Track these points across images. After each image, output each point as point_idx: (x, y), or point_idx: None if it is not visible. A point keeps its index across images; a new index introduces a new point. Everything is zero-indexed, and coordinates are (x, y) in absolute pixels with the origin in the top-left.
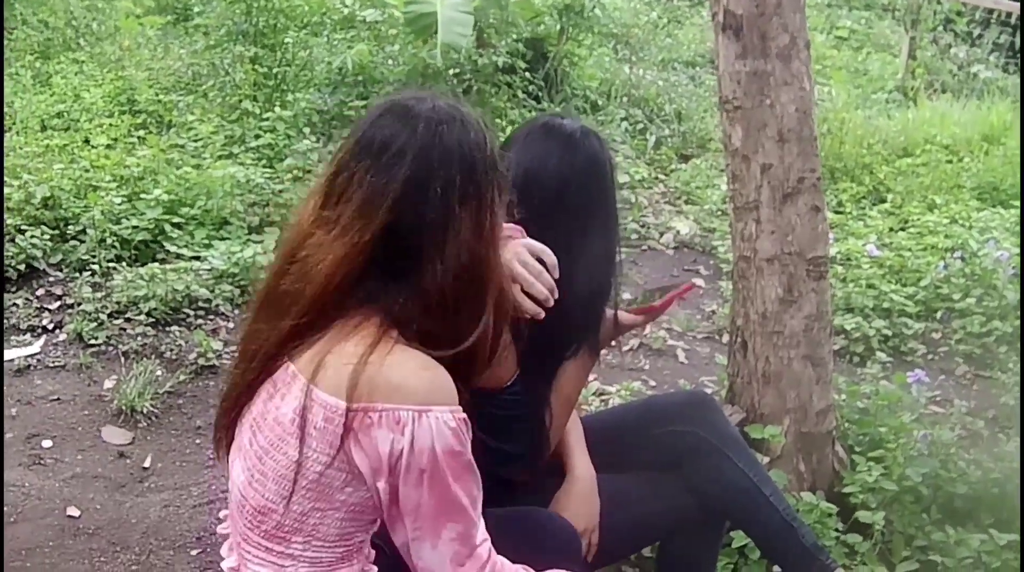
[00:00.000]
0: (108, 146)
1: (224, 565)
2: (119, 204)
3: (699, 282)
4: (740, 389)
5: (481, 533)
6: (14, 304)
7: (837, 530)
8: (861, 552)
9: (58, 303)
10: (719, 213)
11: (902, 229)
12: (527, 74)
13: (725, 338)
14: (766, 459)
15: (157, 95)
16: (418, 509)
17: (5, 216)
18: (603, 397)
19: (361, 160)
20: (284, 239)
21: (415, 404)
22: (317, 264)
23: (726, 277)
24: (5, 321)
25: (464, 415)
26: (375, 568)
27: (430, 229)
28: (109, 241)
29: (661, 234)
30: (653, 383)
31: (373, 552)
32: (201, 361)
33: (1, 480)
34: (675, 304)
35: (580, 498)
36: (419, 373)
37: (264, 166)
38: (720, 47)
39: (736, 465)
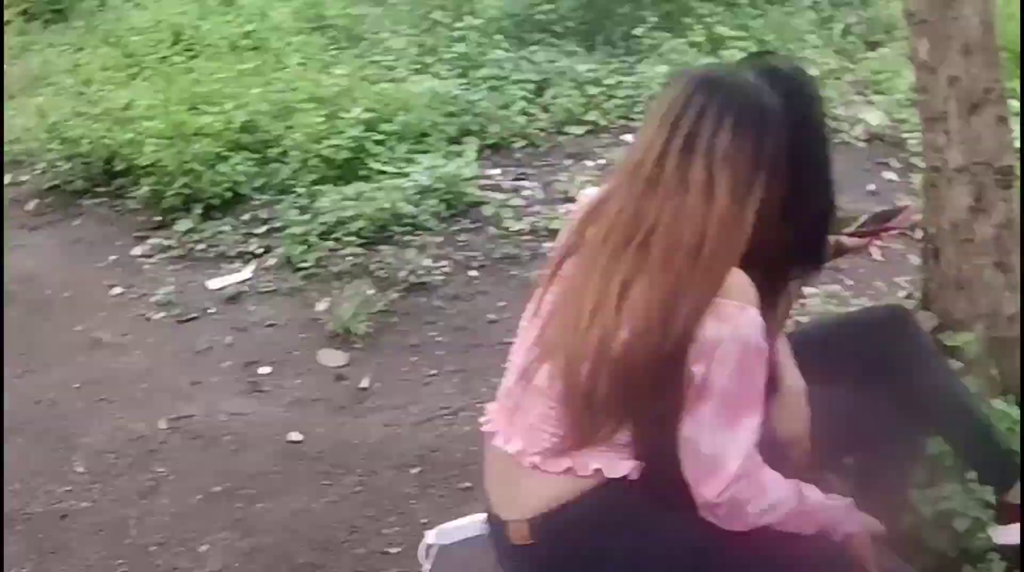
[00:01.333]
0: (301, 65)
1: (510, 448)
2: (319, 124)
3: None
4: (934, 296)
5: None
6: (220, 231)
7: None
8: None
9: (265, 227)
10: (908, 103)
11: None
12: None
13: (919, 234)
14: (960, 365)
15: (346, 8)
16: (724, 396)
17: (200, 143)
18: (802, 302)
19: (723, 125)
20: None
21: (739, 301)
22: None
23: (916, 171)
24: (213, 249)
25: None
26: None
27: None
28: (312, 162)
29: (852, 126)
30: (850, 283)
31: None
32: (412, 278)
33: (1, 473)
34: (900, 226)
35: (792, 410)
36: (744, 279)
37: (459, 76)
38: None
39: (937, 372)
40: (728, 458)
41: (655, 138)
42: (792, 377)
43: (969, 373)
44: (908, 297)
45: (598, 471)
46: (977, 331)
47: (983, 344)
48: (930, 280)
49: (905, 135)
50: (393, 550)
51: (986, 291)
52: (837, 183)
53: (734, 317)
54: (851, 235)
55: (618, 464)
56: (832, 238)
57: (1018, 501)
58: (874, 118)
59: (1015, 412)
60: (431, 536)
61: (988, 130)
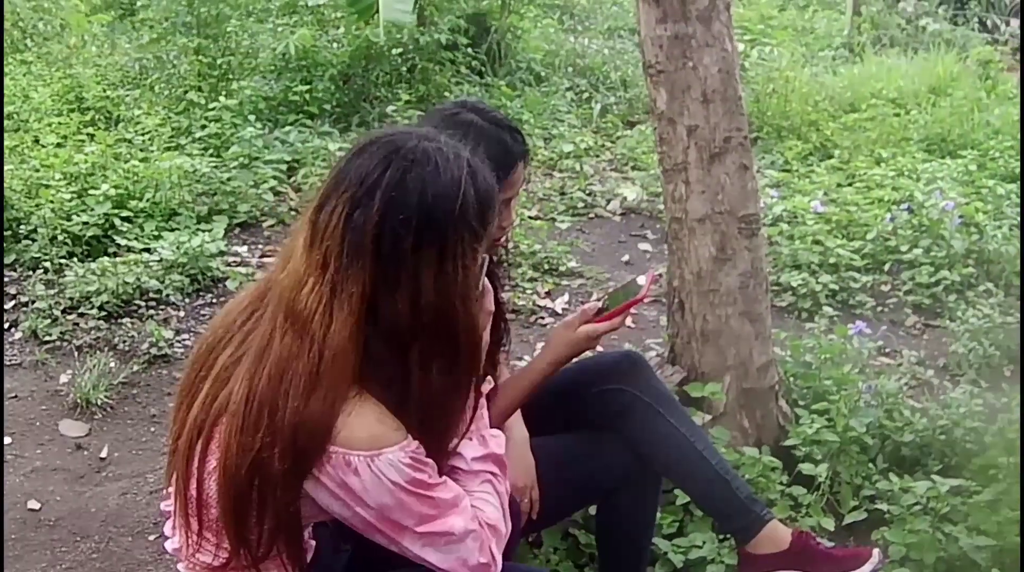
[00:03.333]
0: (58, 144)
1: (169, 545)
2: (68, 201)
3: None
4: (681, 349)
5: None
6: None
7: (782, 483)
8: (806, 504)
9: (13, 302)
10: None
11: (849, 184)
12: (470, 49)
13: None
14: (708, 417)
15: (105, 91)
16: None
17: None
18: None
19: (340, 194)
20: (276, 278)
21: (366, 450)
22: (323, 337)
23: None
24: None
25: (415, 445)
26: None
27: (388, 271)
28: (60, 238)
29: (608, 201)
30: (600, 348)
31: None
32: (153, 351)
33: (1, 479)
34: (647, 294)
35: (515, 459)
36: (373, 424)
37: (211, 155)
38: (641, 12)
39: (668, 421)
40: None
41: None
42: (513, 427)
43: (718, 424)
44: (657, 356)
45: None
46: (726, 383)
47: (732, 396)
48: (676, 334)
49: (662, 207)
50: None
51: (734, 341)
52: (592, 254)
53: (366, 470)
54: (601, 321)
55: None
56: (585, 329)
57: (760, 552)
58: (631, 193)
59: (767, 459)
60: None
61: (730, 178)
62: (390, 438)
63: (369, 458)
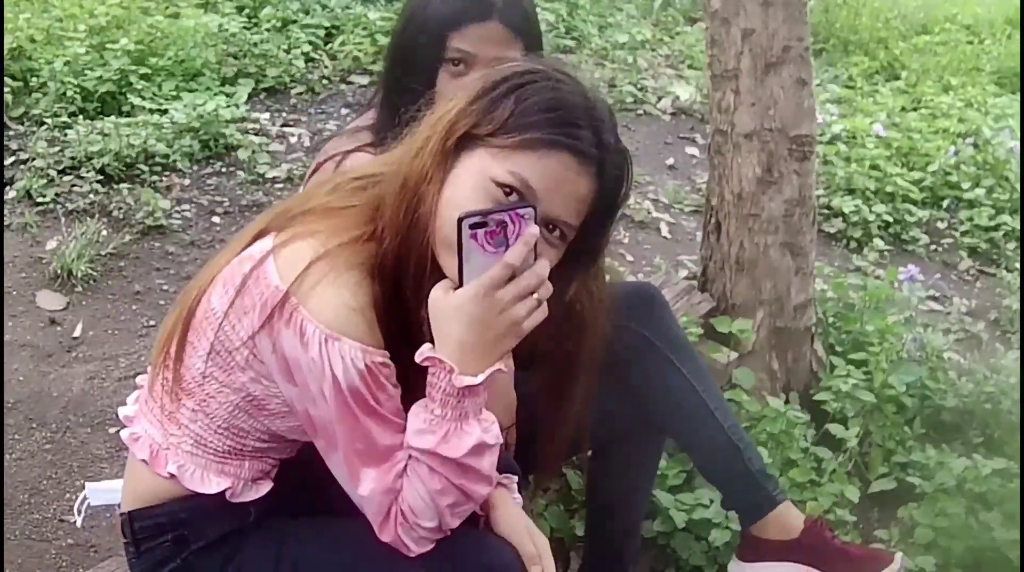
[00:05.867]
0: None
1: (121, 412)
2: (83, 54)
3: (694, 151)
4: (713, 274)
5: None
6: None
7: (806, 439)
8: (831, 469)
9: (12, 158)
10: None
11: (914, 109)
12: None
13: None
14: (735, 355)
15: None
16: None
17: None
18: None
19: None
20: None
21: (326, 327)
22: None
23: None
24: None
25: (382, 360)
26: (267, 485)
27: None
28: (70, 93)
29: (659, 99)
30: (630, 258)
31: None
32: (148, 221)
33: (2, 471)
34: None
35: (494, 396)
36: (345, 307)
37: (246, 16)
38: None
39: (679, 371)
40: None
41: None
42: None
43: (744, 363)
44: (691, 277)
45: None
46: (758, 319)
47: (763, 334)
48: (709, 257)
49: None
50: (72, 518)
51: (771, 274)
52: (636, 154)
53: (316, 346)
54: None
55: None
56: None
57: (766, 536)
58: (684, 92)
59: (791, 412)
60: (89, 491)
61: (785, 92)
62: (357, 331)
63: (324, 337)
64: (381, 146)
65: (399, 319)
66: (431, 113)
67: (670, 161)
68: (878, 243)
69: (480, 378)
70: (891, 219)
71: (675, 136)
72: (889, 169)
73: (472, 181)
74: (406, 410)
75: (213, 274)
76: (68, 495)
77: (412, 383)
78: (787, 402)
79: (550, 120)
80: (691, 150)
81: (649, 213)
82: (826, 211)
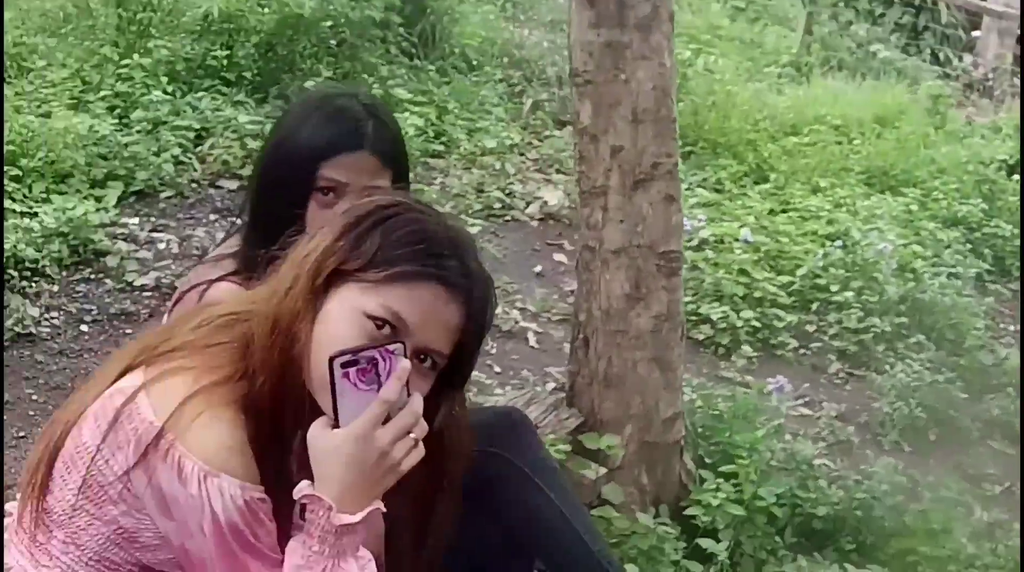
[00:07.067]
0: None
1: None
2: None
3: (562, 258)
4: (580, 389)
5: None
6: None
7: (677, 552)
8: None
9: None
10: None
11: (783, 211)
12: (402, 29)
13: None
14: (603, 470)
15: (22, 36)
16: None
17: None
18: None
19: None
20: None
21: (205, 463)
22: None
23: None
24: None
25: (260, 496)
26: None
27: None
28: None
29: (527, 204)
30: (498, 369)
31: None
32: (18, 329)
33: (1, 473)
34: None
35: (369, 530)
36: (223, 445)
37: (117, 116)
38: (574, 13)
39: (546, 495)
40: None
41: None
42: None
43: (614, 479)
44: (559, 389)
45: None
46: (626, 434)
47: (632, 449)
48: (577, 372)
49: None
50: None
51: (639, 390)
52: (503, 261)
53: (195, 483)
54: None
55: None
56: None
57: None
58: (552, 197)
59: (661, 527)
60: None
61: (653, 209)
62: (236, 468)
63: (203, 473)
64: (246, 273)
65: (276, 455)
66: (296, 250)
67: (538, 268)
68: (746, 349)
69: (358, 516)
70: (759, 325)
71: (543, 242)
72: (757, 274)
73: (344, 316)
74: (281, 546)
75: (81, 408)
76: None
77: (288, 518)
78: (657, 516)
79: (417, 253)
80: (559, 257)
81: (517, 322)
82: (694, 318)
